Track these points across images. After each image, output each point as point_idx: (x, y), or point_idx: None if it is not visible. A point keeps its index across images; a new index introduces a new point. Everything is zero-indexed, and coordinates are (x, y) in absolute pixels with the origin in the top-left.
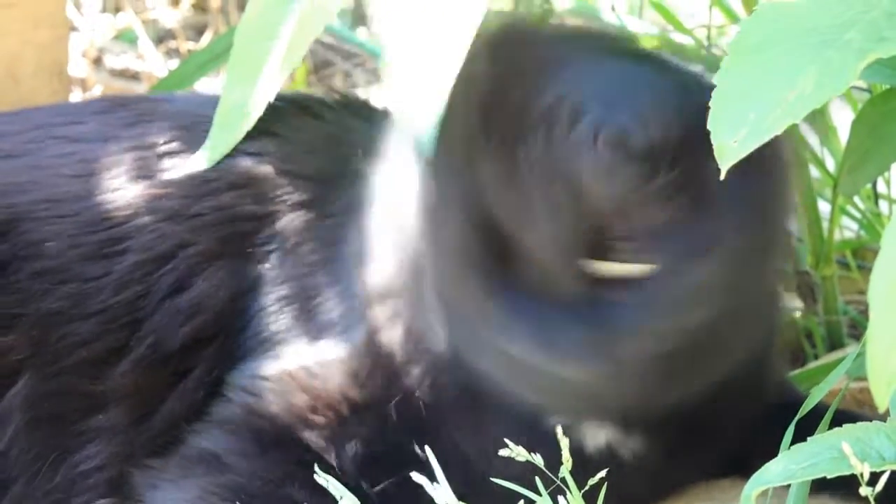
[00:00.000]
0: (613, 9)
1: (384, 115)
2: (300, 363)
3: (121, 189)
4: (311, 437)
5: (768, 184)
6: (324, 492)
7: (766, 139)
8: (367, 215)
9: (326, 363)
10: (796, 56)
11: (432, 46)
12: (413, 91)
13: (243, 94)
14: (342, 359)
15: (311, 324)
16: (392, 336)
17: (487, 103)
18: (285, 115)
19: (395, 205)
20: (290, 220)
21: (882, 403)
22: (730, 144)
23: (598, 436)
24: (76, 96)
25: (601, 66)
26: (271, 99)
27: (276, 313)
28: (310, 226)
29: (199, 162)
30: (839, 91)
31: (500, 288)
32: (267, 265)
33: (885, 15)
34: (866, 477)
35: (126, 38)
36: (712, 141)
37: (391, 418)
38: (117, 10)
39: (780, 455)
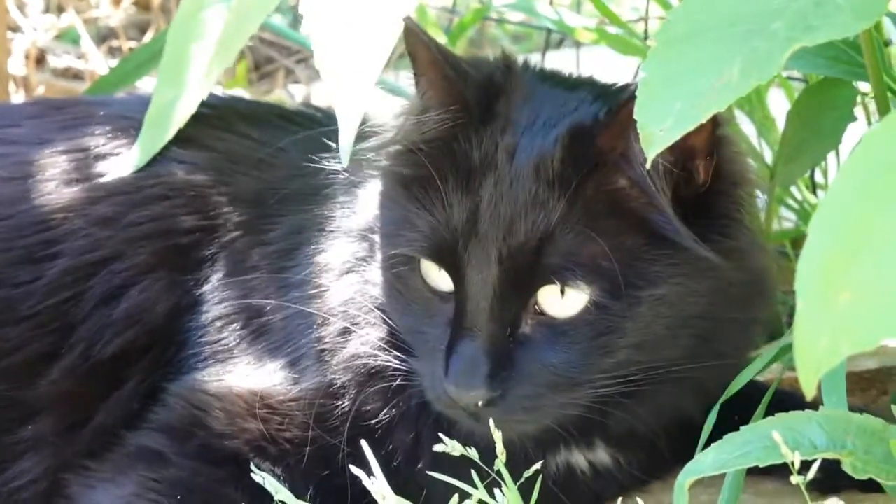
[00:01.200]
0: (552, 3)
1: (317, 123)
2: (248, 386)
3: (54, 193)
4: (264, 465)
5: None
6: (262, 494)
7: (691, 127)
8: (309, 243)
9: (283, 398)
10: (723, 45)
11: (357, 43)
12: (339, 92)
13: (173, 95)
14: (300, 396)
15: (255, 345)
16: (341, 361)
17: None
18: (216, 126)
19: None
20: (231, 241)
21: (810, 391)
22: (656, 133)
23: (558, 453)
24: (19, 97)
25: None
26: (203, 98)
27: (217, 330)
28: (250, 248)
29: (129, 164)
30: (765, 79)
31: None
32: (208, 285)
33: (813, 4)
34: (797, 465)
35: (69, 37)
36: (639, 129)
37: (346, 455)
38: (60, 10)
39: (713, 444)
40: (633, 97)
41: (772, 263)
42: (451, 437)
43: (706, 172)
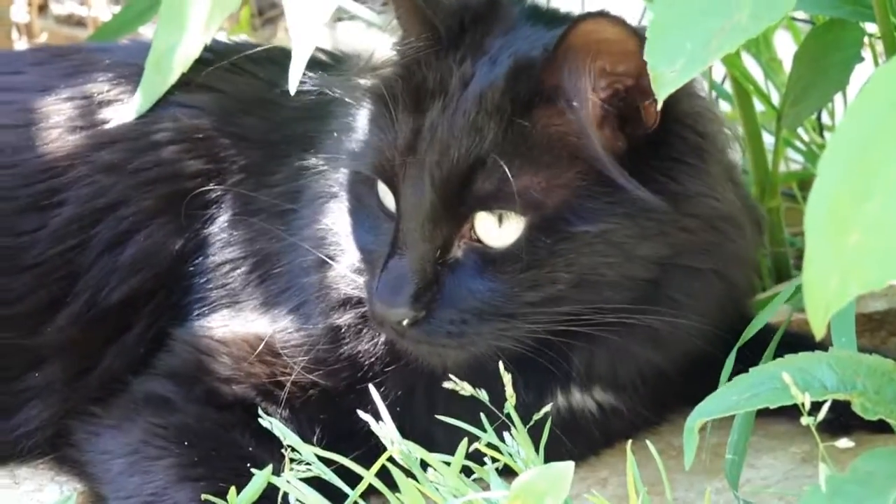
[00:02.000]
0: None
1: (323, 65)
2: (254, 331)
3: (59, 140)
4: (270, 408)
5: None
6: (269, 439)
7: (703, 68)
8: (311, 186)
9: (288, 342)
10: None
11: None
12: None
13: (174, 40)
14: (304, 341)
15: (260, 290)
16: (346, 314)
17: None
18: (221, 68)
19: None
20: (237, 183)
21: (819, 331)
22: (667, 74)
23: (556, 396)
24: (22, 44)
25: None
26: (206, 43)
27: (223, 275)
28: (256, 190)
29: (131, 110)
30: (775, 20)
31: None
32: (214, 227)
33: None
34: (807, 406)
35: None
36: (649, 70)
37: (348, 399)
38: None
39: (721, 387)
40: (567, 33)
41: (747, 217)
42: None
43: (654, 114)
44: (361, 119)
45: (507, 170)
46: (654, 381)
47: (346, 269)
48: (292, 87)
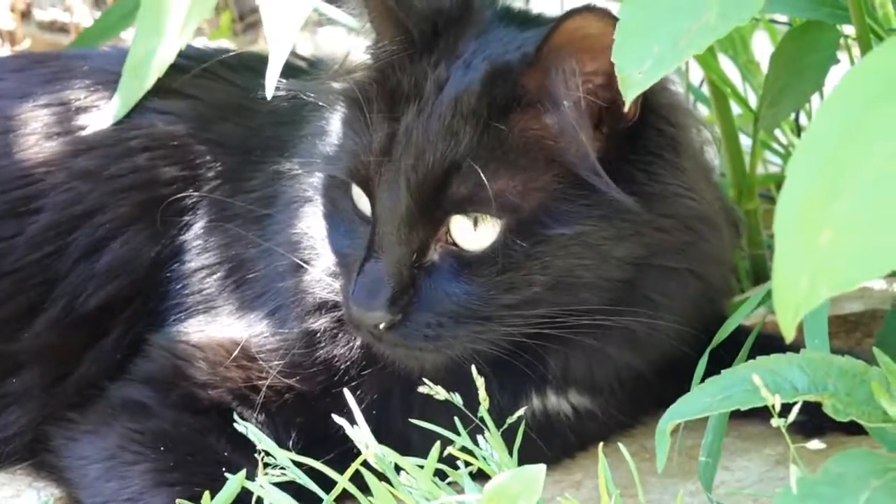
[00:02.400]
0: None
1: (300, 71)
2: (230, 336)
3: (36, 146)
4: (246, 413)
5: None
6: (245, 444)
7: (670, 70)
8: (286, 191)
9: (263, 347)
10: None
11: None
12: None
13: (152, 46)
14: (280, 346)
15: (236, 295)
16: (321, 318)
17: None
18: (197, 76)
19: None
20: (213, 189)
21: (789, 334)
22: (635, 75)
23: (531, 399)
24: (5, 50)
25: None
26: (181, 48)
27: (199, 280)
28: (231, 196)
29: (108, 116)
30: (744, 21)
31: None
32: (190, 233)
33: None
34: (778, 408)
35: None
36: (617, 72)
37: (324, 403)
38: None
39: (693, 388)
40: (551, 33)
41: (724, 219)
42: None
43: (633, 106)
44: (335, 123)
45: (482, 174)
46: (630, 383)
47: (322, 273)
48: (269, 91)
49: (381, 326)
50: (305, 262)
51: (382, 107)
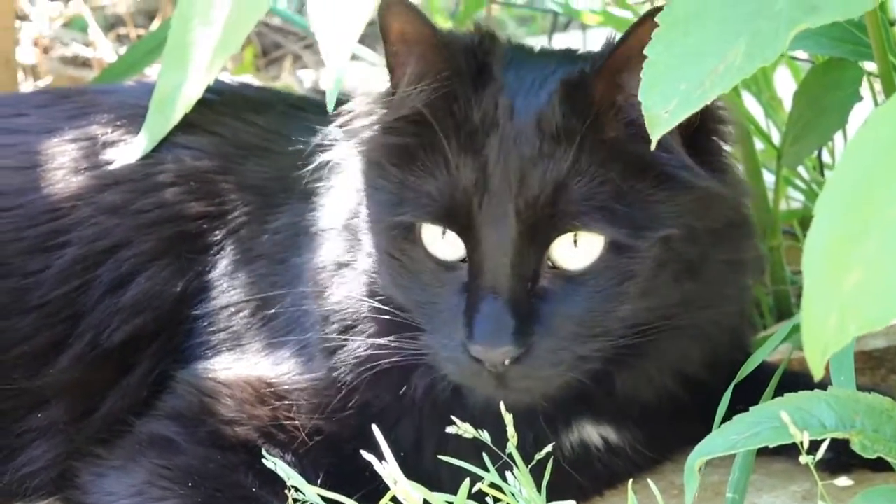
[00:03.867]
0: None
1: (324, 110)
2: (257, 374)
3: (63, 181)
4: (273, 451)
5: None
6: (273, 481)
7: (696, 109)
8: (308, 236)
9: (291, 386)
10: (726, 27)
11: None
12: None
13: (178, 80)
14: (308, 386)
15: (262, 333)
16: (345, 360)
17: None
18: (223, 113)
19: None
20: (238, 228)
21: (818, 372)
22: (661, 115)
23: (570, 430)
24: (28, 85)
25: None
26: (209, 84)
27: (226, 318)
28: (256, 236)
29: (135, 151)
30: (769, 61)
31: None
32: (216, 271)
33: None
34: (806, 445)
35: (77, 25)
36: (643, 111)
37: (353, 444)
38: None
39: (721, 425)
40: (617, 47)
41: (750, 204)
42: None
43: (696, 111)
44: (380, 169)
45: (587, 186)
46: (662, 412)
47: (378, 335)
48: (330, 106)
49: (507, 362)
50: (354, 322)
51: (460, 141)
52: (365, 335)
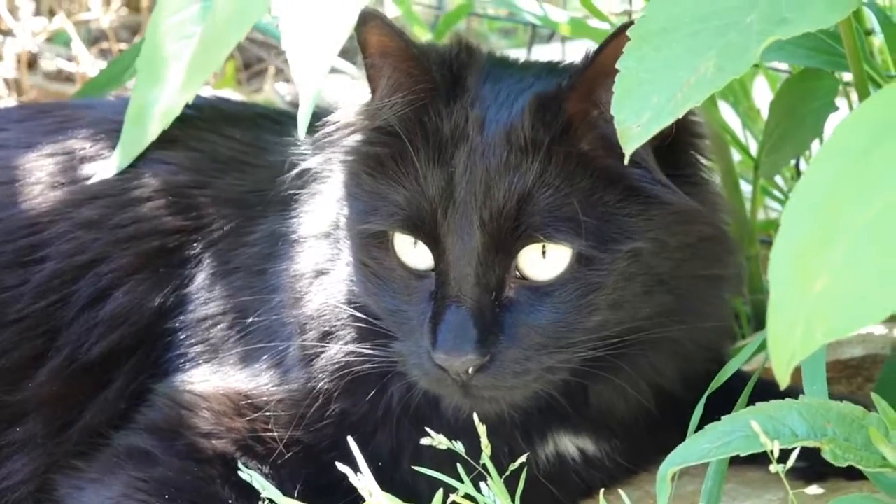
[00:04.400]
0: None
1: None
2: (234, 386)
3: (41, 196)
4: (251, 463)
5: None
6: (250, 493)
7: (668, 123)
8: (285, 247)
9: (268, 398)
10: (698, 40)
11: (320, 20)
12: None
13: (153, 95)
14: (285, 397)
15: (240, 345)
16: (322, 367)
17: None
18: (201, 128)
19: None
20: (215, 241)
21: (783, 380)
22: (633, 128)
23: (546, 442)
24: (11, 100)
25: None
26: (188, 101)
27: (204, 330)
28: (234, 249)
29: (111, 165)
30: (740, 73)
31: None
32: (193, 285)
33: None
34: (776, 454)
35: (60, 40)
36: (616, 125)
37: (330, 455)
38: (51, 13)
39: (690, 433)
40: (591, 62)
41: (730, 220)
42: (435, 432)
43: (671, 124)
44: (356, 179)
45: (552, 198)
46: (638, 423)
47: (354, 341)
48: (301, 133)
49: (471, 370)
50: (331, 329)
51: (429, 153)
52: (342, 342)
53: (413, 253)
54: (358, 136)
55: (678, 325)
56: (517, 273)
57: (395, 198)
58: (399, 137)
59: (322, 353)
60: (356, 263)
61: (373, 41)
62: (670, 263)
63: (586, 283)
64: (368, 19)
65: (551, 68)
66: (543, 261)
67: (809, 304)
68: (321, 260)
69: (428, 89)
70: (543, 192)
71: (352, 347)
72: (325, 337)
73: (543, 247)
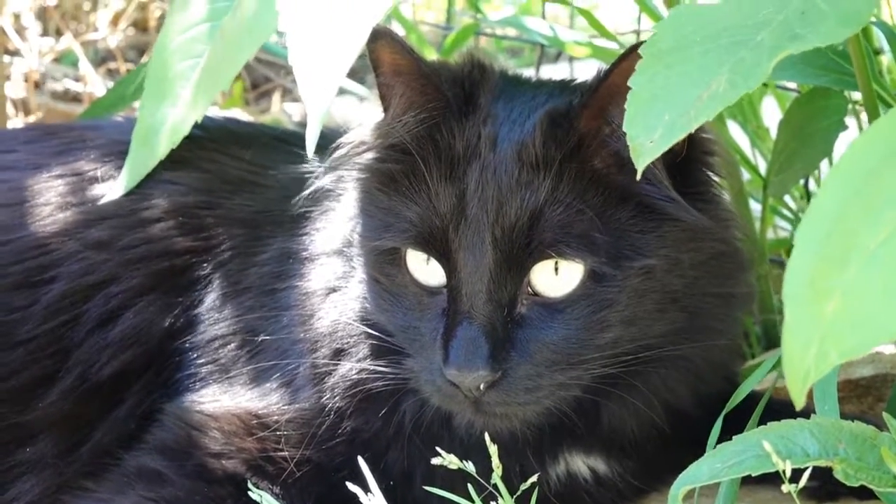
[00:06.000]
0: (544, 17)
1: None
2: (244, 406)
3: (50, 217)
4: (261, 483)
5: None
6: None
7: (680, 137)
8: (296, 266)
9: (279, 417)
10: (710, 57)
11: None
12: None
13: (161, 115)
14: (296, 416)
15: (250, 365)
16: (334, 384)
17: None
18: (209, 148)
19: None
20: (225, 262)
21: (799, 400)
22: (646, 144)
23: (557, 461)
24: (18, 120)
25: None
26: (196, 121)
27: (214, 350)
28: (244, 270)
29: (119, 187)
30: (751, 88)
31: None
32: (203, 305)
33: (797, 13)
34: (788, 474)
35: (68, 60)
36: (628, 142)
37: (341, 473)
38: (58, 33)
39: (706, 454)
40: (603, 80)
41: (742, 236)
42: (447, 450)
43: (683, 141)
44: (367, 197)
45: (564, 214)
46: (650, 443)
47: (366, 358)
48: (310, 152)
49: (482, 386)
50: (343, 346)
51: (441, 170)
52: (354, 359)
53: (425, 269)
54: (371, 154)
55: (690, 343)
56: (529, 290)
57: (408, 214)
58: (411, 155)
59: (334, 370)
60: (369, 280)
61: (385, 59)
62: (683, 281)
63: (598, 300)
64: (380, 36)
65: (564, 86)
66: (556, 277)
67: (824, 325)
68: (333, 277)
69: (440, 107)
70: (555, 208)
71: (364, 365)
72: (338, 354)
73: (556, 263)
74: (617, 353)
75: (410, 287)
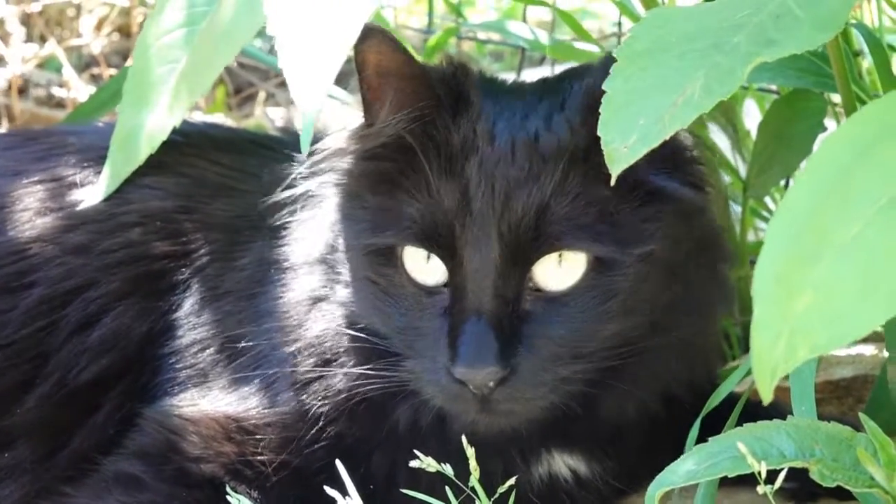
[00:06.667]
0: (525, 21)
1: (291, 148)
2: (223, 410)
3: (29, 222)
4: (240, 488)
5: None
6: None
7: (655, 144)
8: (277, 272)
9: (258, 421)
10: (685, 61)
11: (319, 40)
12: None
13: (139, 119)
14: (276, 420)
15: (229, 369)
16: (319, 390)
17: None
18: (188, 153)
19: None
20: (203, 266)
21: (766, 396)
22: (620, 150)
23: (541, 462)
24: (2, 126)
25: None
26: (175, 125)
27: (192, 355)
28: (222, 274)
29: (98, 192)
30: (727, 95)
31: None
32: (182, 310)
33: (772, 17)
34: (764, 475)
35: (51, 66)
36: (602, 147)
37: (321, 477)
38: (42, 39)
39: (682, 456)
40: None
41: (724, 223)
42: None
43: None
44: (352, 200)
45: (570, 207)
46: (641, 437)
47: (358, 366)
48: (304, 152)
49: (491, 384)
50: (332, 355)
51: (440, 165)
52: (345, 367)
53: (424, 268)
54: (356, 158)
55: (688, 318)
56: (531, 284)
57: (407, 211)
58: (405, 152)
59: (320, 378)
60: (361, 283)
61: (372, 59)
62: (680, 255)
63: (602, 291)
64: (370, 35)
65: (551, 85)
66: (559, 270)
67: (793, 320)
68: (317, 286)
69: (433, 105)
70: (561, 200)
71: (355, 370)
72: (327, 363)
73: (560, 256)
74: (621, 343)
75: (408, 287)
